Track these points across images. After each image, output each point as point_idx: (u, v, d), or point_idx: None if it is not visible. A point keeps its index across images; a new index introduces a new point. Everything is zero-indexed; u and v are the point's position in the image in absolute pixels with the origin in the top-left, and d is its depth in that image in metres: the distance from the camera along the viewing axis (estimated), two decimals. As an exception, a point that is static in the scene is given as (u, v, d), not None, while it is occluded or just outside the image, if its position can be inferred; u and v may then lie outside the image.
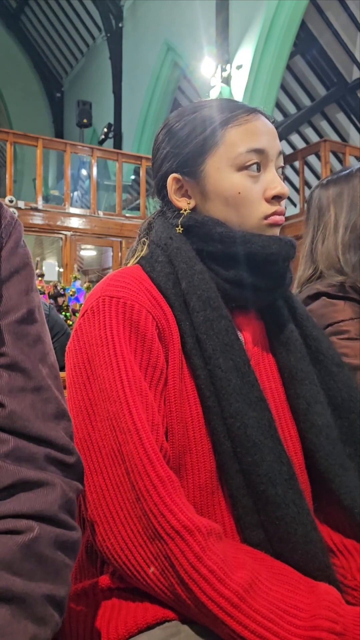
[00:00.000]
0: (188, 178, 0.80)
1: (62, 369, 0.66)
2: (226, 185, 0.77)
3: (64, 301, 6.37)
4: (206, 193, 0.79)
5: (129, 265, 0.82)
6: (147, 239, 0.85)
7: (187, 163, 0.80)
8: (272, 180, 0.78)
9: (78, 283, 7.12)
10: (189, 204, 0.81)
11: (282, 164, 0.81)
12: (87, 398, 0.68)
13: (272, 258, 0.76)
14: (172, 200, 0.82)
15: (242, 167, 0.77)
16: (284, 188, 0.78)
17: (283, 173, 0.83)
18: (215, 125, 0.78)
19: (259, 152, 0.77)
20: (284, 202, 0.80)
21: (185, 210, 0.80)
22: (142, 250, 0.83)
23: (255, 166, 0.77)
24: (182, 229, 0.80)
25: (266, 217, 0.78)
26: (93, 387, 0.68)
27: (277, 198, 0.78)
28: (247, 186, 0.77)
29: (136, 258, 0.83)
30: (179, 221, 0.80)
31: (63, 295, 6.36)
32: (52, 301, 6.00)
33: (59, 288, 6.41)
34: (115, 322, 0.70)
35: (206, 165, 0.78)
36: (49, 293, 6.25)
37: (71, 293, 6.71)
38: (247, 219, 0.78)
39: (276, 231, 0.79)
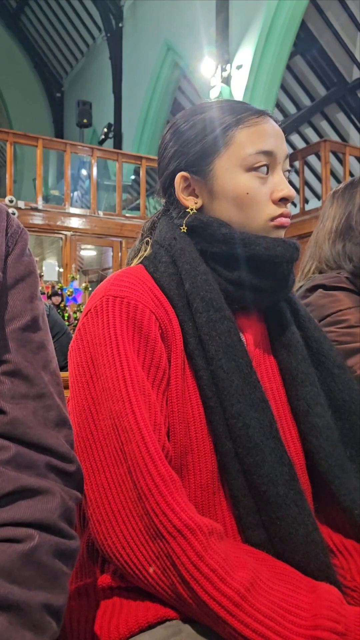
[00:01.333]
0: (196, 177, 0.80)
1: (62, 369, 0.66)
2: (234, 185, 0.78)
3: (61, 301, 6.37)
4: (214, 192, 0.79)
5: (132, 265, 0.82)
6: (150, 238, 0.85)
7: (196, 162, 0.80)
8: (280, 183, 0.79)
9: (76, 283, 7.12)
10: (196, 203, 0.81)
11: (289, 168, 0.82)
12: (90, 397, 0.69)
13: (277, 260, 0.76)
14: (180, 198, 0.82)
15: (251, 168, 0.77)
16: (291, 190, 0.78)
17: (289, 176, 0.83)
18: (225, 126, 0.78)
19: (268, 154, 0.78)
20: (289, 205, 0.81)
21: (191, 209, 0.81)
22: (145, 250, 0.84)
23: (264, 168, 0.78)
24: (186, 228, 0.80)
25: (273, 219, 0.78)
26: (96, 386, 0.68)
27: (283, 200, 0.79)
28: (255, 187, 0.77)
29: (139, 258, 0.83)
30: (184, 221, 0.80)
31: (59, 295, 6.36)
32: (49, 300, 6.02)
33: (56, 288, 6.42)
34: (119, 322, 0.70)
35: (215, 165, 0.79)
36: (47, 293, 6.27)
37: (69, 293, 6.72)
38: (254, 220, 0.78)
39: (281, 233, 0.80)
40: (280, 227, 0.79)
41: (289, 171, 0.82)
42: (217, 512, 0.70)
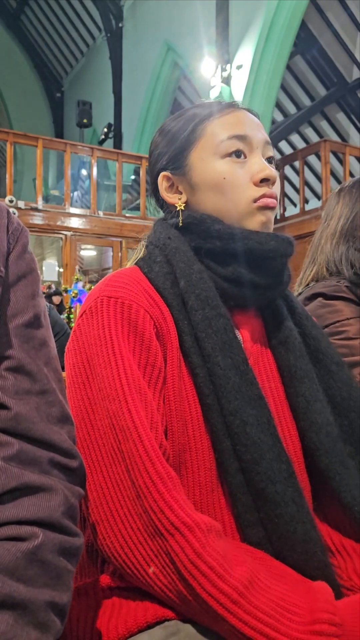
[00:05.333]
0: (175, 173, 0.83)
1: (62, 368, 0.66)
2: (211, 172, 0.79)
3: (61, 300, 6.37)
4: (194, 184, 0.81)
5: (126, 266, 0.83)
6: (145, 240, 0.86)
7: (173, 159, 0.82)
8: (259, 164, 0.79)
9: (80, 284, 7.13)
10: (180, 199, 0.82)
11: (272, 154, 0.83)
12: (87, 397, 0.69)
13: (270, 254, 0.76)
14: (164, 197, 0.84)
15: (226, 154, 0.78)
16: (271, 171, 0.78)
17: (274, 163, 0.83)
18: (198, 120, 0.81)
19: (241, 138, 0.79)
20: (276, 187, 0.80)
21: (179, 206, 0.82)
22: (140, 252, 0.84)
23: (239, 152, 0.79)
24: (181, 224, 0.80)
25: (255, 200, 0.78)
26: (92, 386, 0.69)
27: (265, 181, 0.79)
28: (232, 171, 0.78)
29: (134, 259, 0.83)
30: (180, 218, 0.81)
31: (59, 294, 6.36)
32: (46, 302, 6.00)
33: (52, 290, 6.41)
34: (114, 322, 0.70)
35: (190, 157, 0.81)
36: (45, 293, 6.27)
37: (73, 295, 6.72)
38: (237, 204, 0.78)
39: (268, 215, 0.79)
40: (265, 207, 0.78)
41: (272, 157, 0.83)
42: (215, 510, 0.70)
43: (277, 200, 0.80)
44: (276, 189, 0.80)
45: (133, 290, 0.73)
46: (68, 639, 0.65)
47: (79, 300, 6.80)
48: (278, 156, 10.89)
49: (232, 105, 0.82)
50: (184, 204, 0.82)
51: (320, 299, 1.19)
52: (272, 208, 0.79)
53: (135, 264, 0.81)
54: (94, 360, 0.69)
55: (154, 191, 0.87)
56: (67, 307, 6.51)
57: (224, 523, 0.70)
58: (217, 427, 0.70)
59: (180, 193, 0.83)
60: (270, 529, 0.68)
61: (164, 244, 0.80)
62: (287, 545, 0.67)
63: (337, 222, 1.27)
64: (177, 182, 0.83)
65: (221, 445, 0.69)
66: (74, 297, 6.78)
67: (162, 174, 0.83)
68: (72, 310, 6.52)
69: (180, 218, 0.80)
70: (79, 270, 8.45)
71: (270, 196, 0.78)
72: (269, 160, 0.82)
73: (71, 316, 6.35)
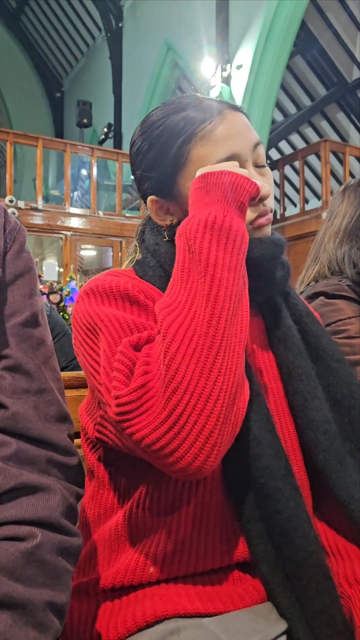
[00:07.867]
0: (165, 198, 0.80)
1: (62, 369, 0.66)
2: None
3: (60, 300, 6.38)
4: (185, 210, 0.76)
5: (122, 267, 0.83)
6: (139, 243, 0.86)
7: (160, 185, 0.79)
8: None
9: (73, 283, 7.14)
10: (172, 220, 0.80)
11: (262, 157, 0.78)
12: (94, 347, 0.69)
13: (257, 262, 0.74)
14: (156, 220, 0.81)
15: None
16: (264, 189, 0.73)
17: (266, 165, 0.79)
18: (179, 143, 0.75)
19: (229, 159, 0.74)
20: (270, 201, 0.77)
21: (170, 225, 0.80)
22: (135, 253, 0.84)
23: None
24: (167, 240, 0.80)
25: (251, 223, 0.76)
26: (97, 335, 0.69)
27: (259, 201, 0.75)
28: None
29: (131, 261, 0.84)
30: (165, 234, 0.80)
31: (58, 293, 6.36)
32: (48, 299, 6.04)
33: (55, 287, 6.42)
34: (107, 296, 0.71)
35: (178, 184, 0.77)
36: (46, 293, 6.29)
37: (66, 293, 6.73)
38: None
39: (266, 230, 0.77)
40: (261, 227, 0.76)
41: (262, 166, 0.78)
42: (217, 506, 0.70)
43: (272, 209, 0.78)
44: (270, 203, 0.77)
45: (125, 280, 0.74)
46: (68, 638, 0.65)
47: (72, 299, 6.81)
48: (278, 156, 10.90)
49: (213, 116, 0.75)
50: (176, 222, 0.80)
51: (321, 297, 1.19)
52: (268, 224, 0.77)
53: (132, 266, 0.82)
54: (93, 322, 0.70)
55: (144, 202, 0.84)
56: (62, 305, 6.52)
57: (225, 518, 0.70)
58: None
59: (172, 214, 0.80)
60: (271, 524, 0.68)
61: (154, 250, 0.80)
62: (286, 540, 0.67)
63: (341, 221, 1.26)
64: (166, 205, 0.80)
65: None
66: (66, 295, 6.79)
67: (150, 198, 0.80)
68: (66, 308, 6.53)
69: (166, 233, 0.80)
70: (77, 269, 8.45)
71: (265, 214, 0.76)
72: (261, 165, 0.78)
73: (66, 315, 6.36)
